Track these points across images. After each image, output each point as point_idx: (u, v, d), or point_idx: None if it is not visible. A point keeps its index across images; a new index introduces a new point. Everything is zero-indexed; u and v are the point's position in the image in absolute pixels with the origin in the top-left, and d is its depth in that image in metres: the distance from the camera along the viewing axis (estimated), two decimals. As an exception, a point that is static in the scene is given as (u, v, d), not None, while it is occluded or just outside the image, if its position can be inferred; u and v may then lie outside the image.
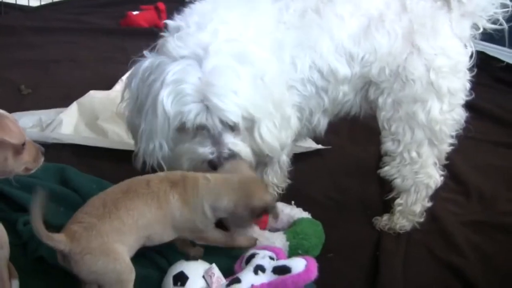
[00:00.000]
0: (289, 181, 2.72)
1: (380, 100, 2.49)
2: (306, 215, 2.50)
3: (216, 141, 2.21)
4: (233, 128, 2.22)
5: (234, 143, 2.23)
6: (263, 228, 2.44)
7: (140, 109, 2.29)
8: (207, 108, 2.15)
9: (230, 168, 2.13)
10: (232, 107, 2.15)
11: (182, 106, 2.15)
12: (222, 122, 2.18)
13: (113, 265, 1.81)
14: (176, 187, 1.99)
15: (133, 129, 2.38)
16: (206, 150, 2.21)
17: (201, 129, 2.20)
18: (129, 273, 1.85)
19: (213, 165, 2.22)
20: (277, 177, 2.66)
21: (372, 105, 2.55)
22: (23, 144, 1.86)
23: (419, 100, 2.45)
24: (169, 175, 2.05)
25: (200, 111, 2.15)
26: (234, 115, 2.16)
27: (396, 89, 2.46)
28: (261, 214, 2.11)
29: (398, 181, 2.61)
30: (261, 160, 2.57)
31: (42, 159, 1.97)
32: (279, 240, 2.33)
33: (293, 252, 2.30)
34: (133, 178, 2.02)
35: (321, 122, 2.61)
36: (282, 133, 2.35)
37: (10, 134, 1.80)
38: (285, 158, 2.62)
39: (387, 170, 2.61)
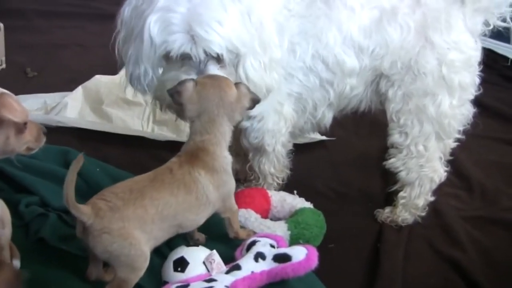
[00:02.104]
0: (288, 171, 2.72)
1: (390, 92, 2.48)
2: (308, 205, 2.49)
3: (201, 71, 2.17)
4: (219, 60, 2.18)
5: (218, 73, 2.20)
6: (265, 216, 2.44)
7: (130, 35, 2.27)
8: (192, 38, 2.12)
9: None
10: (216, 38, 2.12)
11: (168, 35, 2.13)
12: (206, 52, 2.15)
13: (128, 250, 1.81)
14: (196, 162, 1.98)
15: (123, 55, 2.35)
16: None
17: (187, 59, 2.17)
18: (143, 262, 1.84)
19: None
20: (274, 167, 2.65)
21: (382, 98, 2.55)
22: (25, 123, 1.85)
23: (430, 93, 2.45)
24: (183, 155, 2.03)
25: (184, 41, 2.13)
26: (217, 46, 2.13)
27: (407, 82, 2.45)
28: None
29: (403, 174, 2.61)
30: (256, 150, 2.60)
31: (44, 139, 1.96)
32: (281, 229, 2.33)
33: (294, 242, 2.30)
34: (159, 167, 2.00)
35: (326, 116, 2.60)
36: (268, 75, 2.30)
37: (12, 112, 1.80)
38: (280, 148, 2.60)
39: (392, 162, 2.60)
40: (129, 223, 1.82)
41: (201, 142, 2.01)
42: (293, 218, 2.42)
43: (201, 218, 2.00)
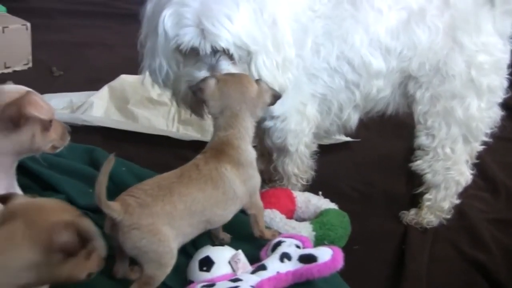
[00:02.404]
0: (312, 172, 2.70)
1: (418, 94, 2.48)
2: (333, 206, 2.49)
3: (212, 67, 2.19)
4: (231, 57, 2.20)
5: (229, 70, 2.20)
6: (289, 217, 2.44)
7: (150, 30, 2.30)
8: (202, 32, 2.14)
9: None
10: (223, 32, 2.13)
11: (179, 29, 2.15)
12: (213, 47, 2.16)
13: (156, 246, 1.82)
14: (222, 157, 1.99)
15: (142, 49, 2.38)
16: (201, 74, 2.18)
17: (199, 54, 2.19)
18: (170, 258, 1.85)
19: None
20: (298, 168, 2.65)
21: (409, 100, 2.54)
22: (51, 121, 1.86)
23: (458, 96, 2.44)
24: (208, 151, 2.04)
25: (194, 35, 2.15)
26: (224, 41, 2.14)
27: (435, 84, 2.44)
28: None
29: (429, 176, 2.60)
30: (280, 151, 2.60)
31: (69, 137, 1.97)
32: (305, 229, 2.33)
33: (319, 243, 2.29)
34: (185, 164, 2.01)
35: (352, 118, 2.60)
36: (281, 74, 2.30)
37: (38, 109, 1.80)
38: (303, 149, 2.60)
39: (419, 164, 2.59)
40: (158, 219, 1.83)
41: (225, 137, 2.03)
42: (318, 219, 2.41)
43: (229, 213, 2.01)
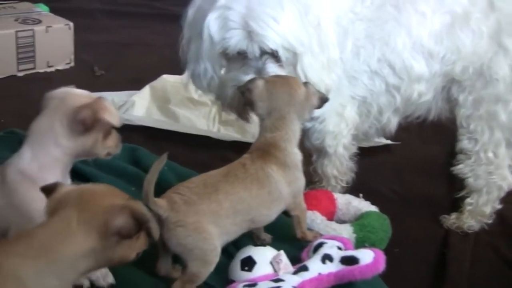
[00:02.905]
0: (352, 174, 2.69)
1: (461, 98, 2.47)
2: (374, 208, 2.48)
3: (259, 70, 2.20)
4: (277, 59, 2.21)
5: (276, 73, 2.21)
6: (330, 218, 2.44)
7: (193, 35, 2.31)
8: (249, 34, 2.16)
9: None
10: (271, 33, 2.14)
11: (225, 32, 2.17)
12: (261, 49, 2.17)
13: (201, 243, 1.83)
14: (268, 158, 2.00)
15: (185, 54, 2.40)
16: (247, 78, 2.17)
17: (246, 59, 2.21)
18: (214, 256, 1.86)
19: None
20: (337, 170, 2.64)
21: (452, 105, 2.53)
22: (111, 128, 1.90)
23: (502, 100, 2.43)
24: (254, 152, 2.05)
25: (241, 37, 2.16)
26: (272, 42, 2.15)
27: (478, 87, 2.43)
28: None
29: (470, 180, 2.58)
30: (319, 152, 2.60)
31: (120, 146, 2.00)
32: (346, 231, 2.32)
33: (359, 245, 2.29)
34: (231, 163, 2.02)
35: (391, 122, 2.59)
36: (327, 75, 2.31)
37: (111, 115, 1.84)
38: (341, 150, 2.59)
39: (460, 168, 2.58)
40: (204, 217, 1.84)
41: (272, 138, 2.04)
42: (359, 221, 2.41)
43: (273, 213, 2.02)
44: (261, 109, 2.07)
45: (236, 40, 2.16)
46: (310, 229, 2.21)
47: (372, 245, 2.30)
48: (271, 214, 2.01)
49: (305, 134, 2.53)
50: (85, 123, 1.80)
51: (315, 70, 2.26)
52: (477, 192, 2.60)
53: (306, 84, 2.12)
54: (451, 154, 2.66)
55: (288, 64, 2.24)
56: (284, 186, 2.00)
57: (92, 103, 1.81)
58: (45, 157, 1.84)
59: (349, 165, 2.66)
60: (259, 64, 2.21)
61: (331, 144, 2.54)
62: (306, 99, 2.09)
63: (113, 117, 1.84)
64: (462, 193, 2.65)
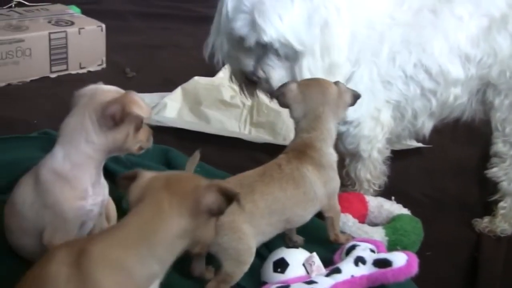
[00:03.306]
0: (385, 178, 2.68)
1: (497, 101, 2.46)
2: (405, 211, 2.47)
3: (259, 58, 2.25)
4: (277, 53, 2.24)
5: (271, 66, 2.25)
6: (361, 221, 2.43)
7: (219, 7, 2.37)
8: (252, 23, 2.18)
9: None
10: (268, 28, 2.16)
11: (236, 14, 2.21)
12: (257, 40, 2.20)
13: (236, 243, 1.84)
14: (304, 158, 2.01)
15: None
16: (247, 62, 2.26)
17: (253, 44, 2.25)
18: (249, 256, 1.87)
19: (249, 78, 2.32)
20: (370, 173, 2.63)
21: (487, 108, 2.52)
22: (142, 122, 1.90)
23: None
24: (290, 152, 2.06)
25: (245, 23, 2.19)
26: (268, 36, 2.17)
27: None
28: None
29: (504, 184, 2.56)
30: (352, 156, 2.59)
31: (152, 140, 2.00)
32: (378, 234, 2.32)
33: (391, 248, 2.28)
34: (267, 163, 2.03)
35: (426, 125, 2.58)
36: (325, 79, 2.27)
37: (141, 108, 1.84)
38: (376, 155, 2.58)
39: (494, 172, 2.57)
40: (239, 217, 1.84)
41: (308, 139, 2.05)
42: (391, 224, 2.40)
43: (308, 214, 2.02)
44: (296, 111, 2.09)
45: (240, 24, 2.20)
46: (342, 232, 2.21)
47: (404, 248, 2.29)
48: (306, 214, 2.01)
49: (339, 138, 2.52)
50: (114, 117, 1.80)
51: (312, 73, 2.26)
52: (511, 195, 2.58)
53: (337, 83, 2.13)
54: (484, 156, 2.65)
55: (289, 59, 2.27)
56: (319, 186, 2.00)
57: (120, 98, 1.82)
58: (77, 155, 1.84)
59: (382, 169, 2.65)
60: (259, 52, 2.25)
61: (365, 148, 2.54)
62: (339, 97, 2.10)
63: (142, 110, 1.85)
64: (496, 197, 2.63)
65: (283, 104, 2.11)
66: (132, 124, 1.85)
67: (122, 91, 1.89)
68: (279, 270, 1.98)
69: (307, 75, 2.25)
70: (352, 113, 2.39)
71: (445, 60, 2.40)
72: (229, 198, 1.53)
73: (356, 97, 2.14)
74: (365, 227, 2.37)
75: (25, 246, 1.96)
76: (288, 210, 1.95)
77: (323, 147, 2.05)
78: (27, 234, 1.91)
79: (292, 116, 2.11)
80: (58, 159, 1.85)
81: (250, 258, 1.88)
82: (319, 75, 2.25)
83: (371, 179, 2.64)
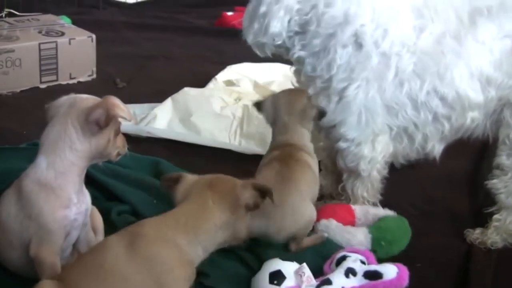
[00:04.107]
0: (379, 196, 2.68)
1: (510, 119, 2.46)
2: (391, 213, 2.51)
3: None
4: None
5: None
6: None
7: None
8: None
9: None
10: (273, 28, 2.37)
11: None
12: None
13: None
14: (296, 149, 2.38)
15: None
16: None
17: None
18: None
19: None
20: (367, 192, 2.63)
21: (498, 125, 2.52)
22: (120, 127, 1.96)
23: None
24: (277, 148, 2.41)
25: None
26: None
27: None
28: None
29: (502, 197, 2.55)
30: (351, 173, 2.59)
31: (127, 145, 2.04)
32: (361, 232, 2.35)
33: (375, 244, 2.31)
34: (269, 164, 2.37)
35: (436, 149, 2.57)
36: None
37: (123, 111, 1.88)
38: (375, 174, 2.58)
39: (494, 183, 2.56)
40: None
41: (285, 139, 2.40)
42: (376, 223, 2.43)
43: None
44: (267, 119, 2.47)
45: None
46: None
47: (389, 243, 2.31)
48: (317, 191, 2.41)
49: (340, 154, 2.55)
50: (99, 122, 1.86)
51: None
52: (507, 209, 2.57)
53: (309, 97, 2.42)
54: (475, 168, 2.65)
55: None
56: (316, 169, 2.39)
57: (102, 102, 1.88)
58: (61, 164, 1.88)
59: (379, 187, 2.65)
60: None
61: (365, 168, 2.53)
62: (304, 110, 2.40)
63: (125, 112, 1.89)
64: (492, 209, 2.62)
65: (260, 112, 2.50)
66: (112, 129, 1.91)
67: (99, 98, 1.93)
68: (275, 282, 1.99)
69: None
70: (352, 131, 2.44)
71: (465, 86, 2.38)
72: (263, 193, 1.83)
73: (321, 113, 2.43)
74: (348, 227, 2.40)
75: (12, 260, 1.96)
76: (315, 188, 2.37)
77: (300, 142, 2.39)
78: (13, 247, 1.92)
79: (266, 122, 2.49)
80: (42, 169, 1.89)
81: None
82: None
83: (367, 196, 2.63)
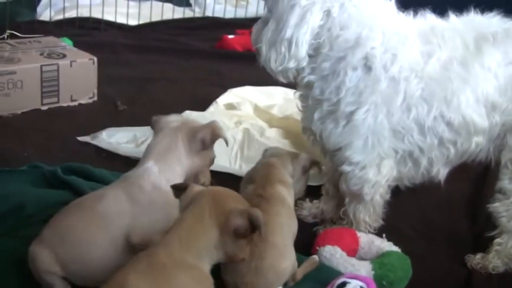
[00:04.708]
0: (381, 221, 2.68)
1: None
2: (396, 249, 2.48)
3: None
4: None
5: None
6: (352, 256, 2.43)
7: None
8: None
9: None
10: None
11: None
12: None
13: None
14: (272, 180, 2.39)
15: None
16: None
17: None
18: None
19: None
20: (369, 216, 2.63)
21: (500, 148, 2.52)
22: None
23: None
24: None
25: None
26: None
27: None
28: None
29: (503, 220, 2.55)
30: (354, 197, 2.59)
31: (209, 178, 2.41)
32: (365, 268, 2.33)
33: (378, 282, 2.28)
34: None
35: (441, 172, 2.57)
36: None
37: (224, 133, 2.33)
38: (378, 198, 2.58)
39: (496, 207, 2.55)
40: None
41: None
42: (379, 259, 2.40)
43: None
44: None
45: None
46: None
47: (390, 283, 2.30)
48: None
49: (343, 178, 2.55)
50: (205, 140, 2.20)
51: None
52: (508, 233, 2.57)
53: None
54: (476, 192, 2.64)
55: None
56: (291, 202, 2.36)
57: (209, 124, 2.26)
58: (171, 173, 2.13)
59: (380, 212, 2.65)
60: None
61: (368, 192, 2.54)
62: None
63: (226, 136, 2.30)
64: (493, 233, 2.62)
65: None
66: (209, 156, 2.29)
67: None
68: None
69: None
70: (357, 154, 2.44)
71: (471, 111, 2.39)
72: (254, 226, 1.79)
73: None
74: (353, 260, 2.38)
75: (92, 260, 2.02)
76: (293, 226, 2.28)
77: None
78: (112, 244, 2.02)
79: None
80: (155, 173, 2.12)
81: None
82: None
83: (369, 221, 2.63)
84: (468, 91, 2.38)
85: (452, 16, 2.50)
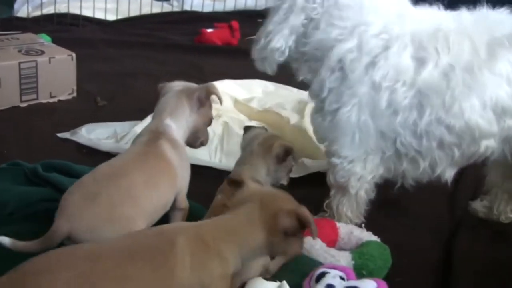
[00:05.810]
0: (362, 219, 2.71)
1: None
2: (375, 238, 2.49)
3: None
4: None
5: None
6: (332, 246, 2.45)
7: None
8: None
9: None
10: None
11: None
12: None
13: None
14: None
15: None
16: None
17: None
18: None
19: None
20: (352, 211, 2.66)
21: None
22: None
23: None
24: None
25: None
26: None
27: None
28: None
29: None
30: (339, 189, 2.62)
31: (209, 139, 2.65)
32: (344, 258, 2.34)
33: (357, 272, 2.28)
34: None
35: (447, 173, 2.57)
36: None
37: (218, 91, 2.47)
38: (362, 194, 2.61)
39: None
40: None
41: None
42: (358, 249, 2.42)
43: None
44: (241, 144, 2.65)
45: None
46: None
47: (369, 273, 2.31)
48: None
49: (331, 170, 2.58)
50: (201, 98, 2.39)
51: None
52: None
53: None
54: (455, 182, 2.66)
55: None
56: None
57: (204, 84, 2.46)
58: (182, 130, 2.38)
59: (363, 209, 2.69)
60: None
61: (354, 185, 2.56)
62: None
63: (219, 94, 2.44)
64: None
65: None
66: (208, 116, 2.48)
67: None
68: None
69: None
70: (343, 149, 2.48)
71: (476, 117, 2.36)
72: (303, 225, 1.84)
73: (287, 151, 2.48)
74: (332, 250, 2.39)
75: None
76: None
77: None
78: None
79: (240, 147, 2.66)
80: (175, 130, 2.35)
81: None
82: None
83: (351, 216, 2.66)
84: (473, 96, 2.35)
85: (464, 13, 2.47)
